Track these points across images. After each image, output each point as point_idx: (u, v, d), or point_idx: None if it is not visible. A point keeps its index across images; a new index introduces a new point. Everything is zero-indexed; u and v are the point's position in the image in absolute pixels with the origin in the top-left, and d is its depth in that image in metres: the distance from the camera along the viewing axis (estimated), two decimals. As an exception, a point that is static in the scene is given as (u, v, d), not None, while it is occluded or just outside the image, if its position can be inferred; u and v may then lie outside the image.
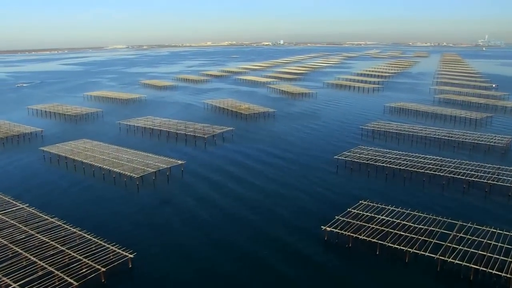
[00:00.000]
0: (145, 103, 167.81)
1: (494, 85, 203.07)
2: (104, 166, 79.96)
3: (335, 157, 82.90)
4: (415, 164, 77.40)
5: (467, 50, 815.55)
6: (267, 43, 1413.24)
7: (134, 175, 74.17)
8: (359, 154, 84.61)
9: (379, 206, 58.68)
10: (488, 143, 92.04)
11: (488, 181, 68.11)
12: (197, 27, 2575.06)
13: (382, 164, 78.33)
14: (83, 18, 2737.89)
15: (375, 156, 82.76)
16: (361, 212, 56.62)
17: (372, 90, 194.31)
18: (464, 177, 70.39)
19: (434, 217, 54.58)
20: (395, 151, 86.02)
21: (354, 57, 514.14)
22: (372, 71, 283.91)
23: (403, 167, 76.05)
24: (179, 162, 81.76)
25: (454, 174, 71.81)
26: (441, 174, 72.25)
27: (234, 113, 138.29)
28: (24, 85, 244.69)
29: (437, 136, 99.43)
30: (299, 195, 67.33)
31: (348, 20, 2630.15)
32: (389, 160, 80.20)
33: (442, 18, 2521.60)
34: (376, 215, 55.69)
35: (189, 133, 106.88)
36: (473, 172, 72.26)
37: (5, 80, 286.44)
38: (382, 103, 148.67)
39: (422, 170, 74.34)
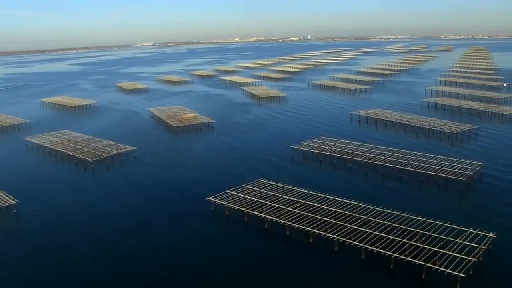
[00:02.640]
0: (89, 111, 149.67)
1: (505, 84, 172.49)
2: None
3: (209, 198, 59.55)
4: (306, 214, 53.03)
5: (502, 42, 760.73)
6: (294, 39, 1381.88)
7: None
8: (246, 194, 60.85)
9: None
10: (447, 175, 66.13)
11: (393, 255, 43.22)
12: (226, 24, 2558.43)
13: (260, 215, 54.27)
14: (114, 16, 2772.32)
15: (263, 198, 58.66)
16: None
17: (358, 92, 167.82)
18: (361, 245, 45.56)
19: None
20: (298, 190, 61.80)
21: (371, 52, 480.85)
22: (376, 68, 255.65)
23: (283, 220, 51.83)
24: (11, 202, 61.55)
25: (348, 237, 47.09)
26: (330, 236, 47.66)
27: (166, 125, 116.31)
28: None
29: (381, 163, 73.91)
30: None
31: (379, 14, 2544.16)
32: (275, 207, 56.16)
33: (478, 9, 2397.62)
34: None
35: (83, 155, 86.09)
36: (386, 234, 47.30)
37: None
38: (353, 110, 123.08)
39: (308, 228, 49.90)
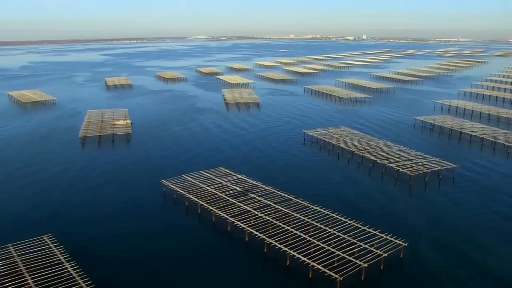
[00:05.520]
0: (38, 108, 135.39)
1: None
2: None
3: None
4: None
5: None
6: (349, 38, 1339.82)
7: None
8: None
9: None
10: (321, 266, 39.54)
11: None
12: (283, 21, 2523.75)
13: None
14: (175, 9, 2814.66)
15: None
16: None
17: (352, 102, 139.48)
18: None
19: None
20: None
21: (415, 55, 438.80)
22: (399, 73, 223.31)
23: None
24: None
25: None
26: None
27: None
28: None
29: (248, 227, 48.02)
30: None
31: (442, 15, 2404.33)
32: None
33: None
34: None
35: None
36: None
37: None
38: (318, 127, 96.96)
39: None
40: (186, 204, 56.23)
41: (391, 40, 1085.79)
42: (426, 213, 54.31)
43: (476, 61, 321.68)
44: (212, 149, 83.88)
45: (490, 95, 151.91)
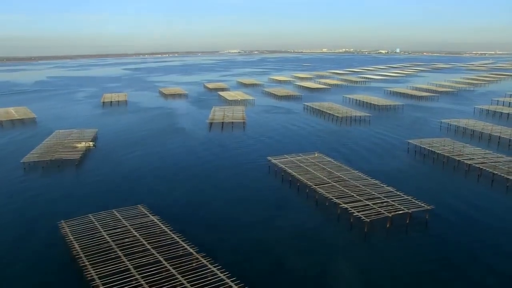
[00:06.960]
0: (10, 127, 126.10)
1: None
2: None
3: None
4: None
5: None
6: (382, 51, 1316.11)
7: None
8: None
9: None
10: None
11: None
12: (317, 34, 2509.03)
13: None
14: (211, 24, 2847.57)
15: None
16: None
17: (349, 121, 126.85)
18: None
19: None
20: None
21: (443, 68, 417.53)
22: (416, 89, 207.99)
23: None
24: None
25: None
26: None
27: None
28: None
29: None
30: None
31: (479, 27, 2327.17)
32: None
33: None
34: None
35: None
36: None
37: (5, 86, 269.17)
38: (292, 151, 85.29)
39: None
40: (71, 255, 45.60)
41: (424, 54, 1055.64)
42: (361, 286, 41.42)
43: (507, 75, 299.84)
44: (143, 180, 73.18)
45: (508, 113, 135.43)
